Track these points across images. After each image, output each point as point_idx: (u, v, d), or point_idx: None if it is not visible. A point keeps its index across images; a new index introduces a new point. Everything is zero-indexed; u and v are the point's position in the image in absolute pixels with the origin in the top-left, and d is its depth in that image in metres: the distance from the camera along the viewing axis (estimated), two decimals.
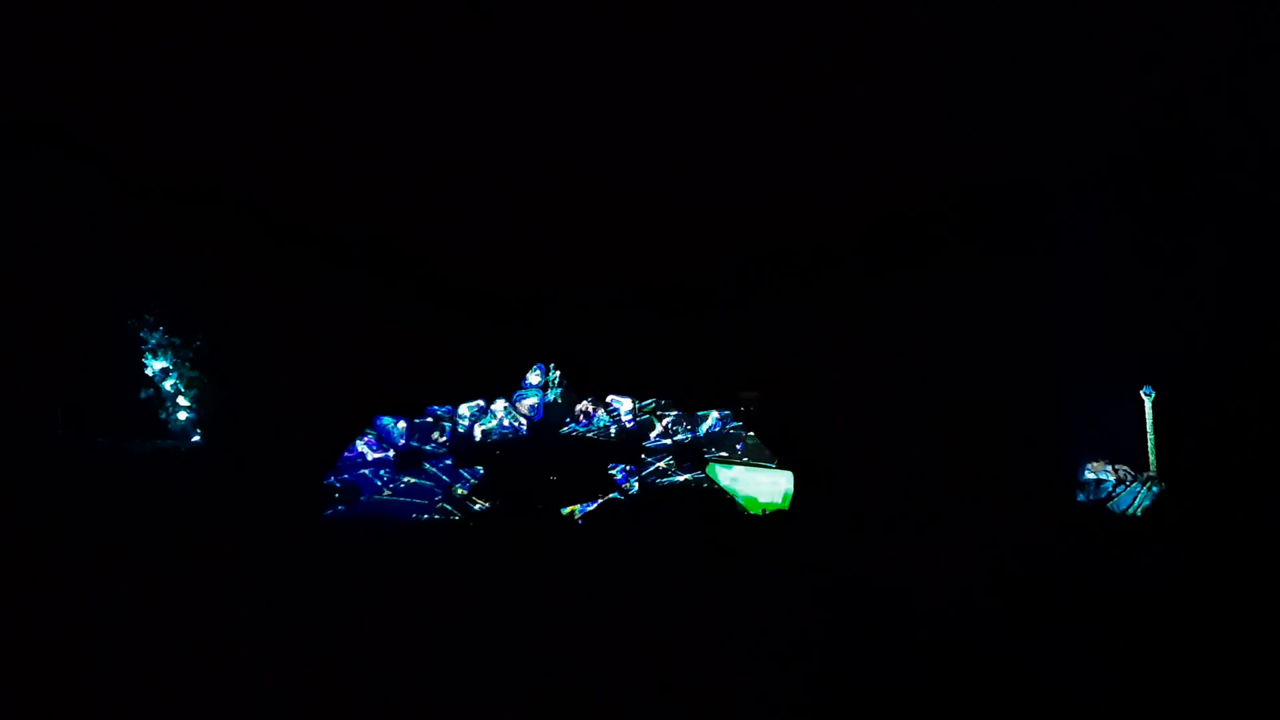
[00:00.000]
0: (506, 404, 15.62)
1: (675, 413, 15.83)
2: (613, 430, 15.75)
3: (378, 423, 15.20)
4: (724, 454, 15.69)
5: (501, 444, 15.56)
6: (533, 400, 15.77)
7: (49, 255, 13.03)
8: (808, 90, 12.74)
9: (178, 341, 14.05)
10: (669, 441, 15.80)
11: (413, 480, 15.21)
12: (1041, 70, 12.33)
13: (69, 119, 12.66)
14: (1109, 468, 13.25)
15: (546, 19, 12.14)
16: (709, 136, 13.26)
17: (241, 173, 13.63)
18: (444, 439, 15.56)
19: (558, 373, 15.62)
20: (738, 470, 15.41)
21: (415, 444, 15.35)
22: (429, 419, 15.46)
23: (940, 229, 13.84)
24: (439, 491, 15.25)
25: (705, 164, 13.47)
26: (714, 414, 15.80)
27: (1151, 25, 11.79)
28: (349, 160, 13.60)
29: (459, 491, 15.27)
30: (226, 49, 12.25)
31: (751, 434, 15.49)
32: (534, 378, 15.71)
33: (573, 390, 15.67)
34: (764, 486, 15.29)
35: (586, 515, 15.00)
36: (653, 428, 15.95)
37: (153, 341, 13.91)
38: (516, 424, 15.70)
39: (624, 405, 15.83)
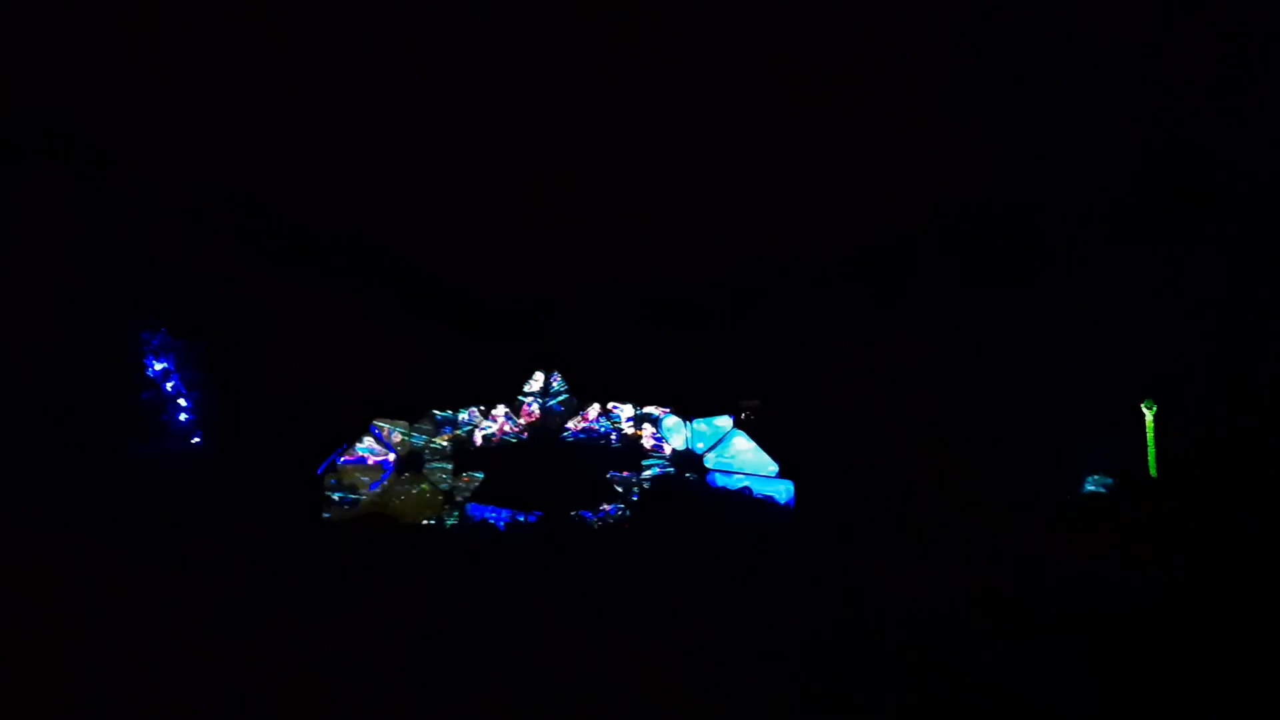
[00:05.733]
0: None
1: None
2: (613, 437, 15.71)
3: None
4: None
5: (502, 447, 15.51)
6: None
7: (49, 255, 13.07)
8: (810, 94, 12.77)
9: (180, 342, 14.08)
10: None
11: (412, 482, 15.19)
12: (1041, 82, 12.37)
13: (70, 119, 12.70)
14: (1109, 482, 13.28)
15: (547, 20, 12.17)
16: (710, 139, 13.28)
17: (243, 172, 13.66)
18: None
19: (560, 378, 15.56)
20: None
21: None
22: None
23: (941, 241, 13.88)
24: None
25: (707, 168, 13.50)
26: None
27: (1153, 33, 11.80)
28: (351, 160, 13.62)
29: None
30: (227, 49, 12.29)
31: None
32: (535, 383, 15.63)
33: (575, 396, 15.60)
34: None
35: (588, 517, 14.98)
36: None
37: (155, 343, 13.94)
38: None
39: (625, 412, 15.76)
